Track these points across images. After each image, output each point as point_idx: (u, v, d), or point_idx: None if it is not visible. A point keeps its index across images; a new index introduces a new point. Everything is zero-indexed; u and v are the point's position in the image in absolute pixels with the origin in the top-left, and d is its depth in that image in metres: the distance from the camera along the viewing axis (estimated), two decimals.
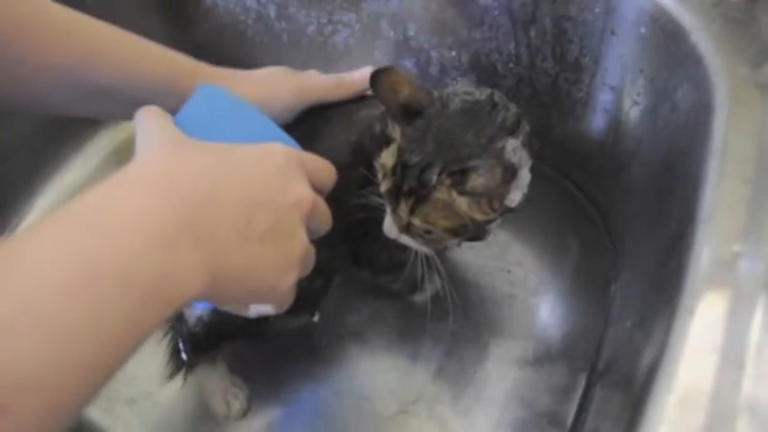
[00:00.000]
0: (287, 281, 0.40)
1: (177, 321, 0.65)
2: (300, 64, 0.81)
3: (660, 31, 0.56)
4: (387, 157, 0.51)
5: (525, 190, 0.53)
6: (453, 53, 0.71)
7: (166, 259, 0.32)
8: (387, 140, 0.52)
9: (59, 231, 0.30)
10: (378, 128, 0.55)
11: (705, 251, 0.42)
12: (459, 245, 0.69)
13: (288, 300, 0.42)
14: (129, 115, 0.53)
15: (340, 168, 0.48)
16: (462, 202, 0.49)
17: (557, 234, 0.76)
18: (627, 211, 0.67)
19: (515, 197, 0.52)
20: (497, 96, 0.51)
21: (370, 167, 0.54)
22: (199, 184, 0.36)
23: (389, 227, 0.54)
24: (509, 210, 0.52)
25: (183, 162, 0.37)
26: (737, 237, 0.42)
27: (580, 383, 0.65)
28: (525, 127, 0.51)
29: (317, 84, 0.59)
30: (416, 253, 0.58)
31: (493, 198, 0.50)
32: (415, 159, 0.49)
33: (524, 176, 0.52)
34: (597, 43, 0.62)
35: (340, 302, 0.70)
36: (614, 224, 0.70)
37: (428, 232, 0.52)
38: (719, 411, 0.36)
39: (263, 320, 0.64)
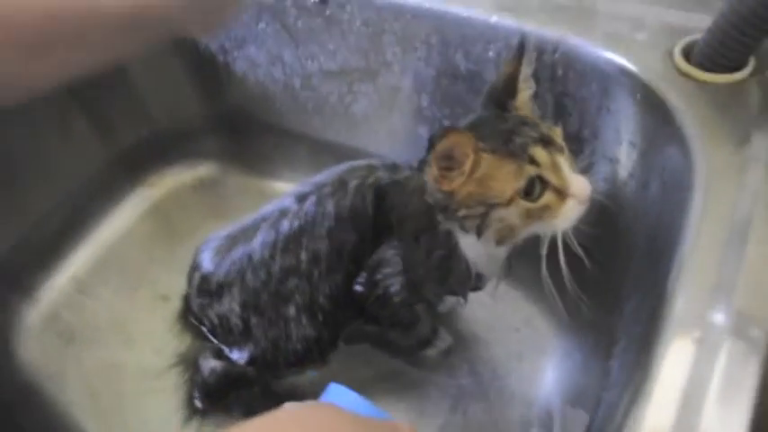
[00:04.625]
0: None
1: (193, 371, 0.70)
2: (323, 129, 0.88)
3: (650, 110, 0.60)
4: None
5: None
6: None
7: None
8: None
9: None
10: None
11: (680, 305, 0.45)
12: (464, 303, 0.72)
13: None
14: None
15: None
16: None
17: (566, 294, 0.79)
18: (627, 276, 0.69)
19: None
20: None
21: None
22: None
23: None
24: None
25: (324, 407, 0.42)
26: (707, 294, 0.45)
27: None
28: None
29: None
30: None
31: None
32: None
33: None
34: (594, 118, 0.65)
35: (347, 356, 0.73)
36: (616, 287, 0.72)
37: None
38: None
39: (274, 375, 0.70)
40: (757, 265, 0.46)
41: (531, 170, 0.52)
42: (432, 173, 0.55)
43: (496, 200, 0.54)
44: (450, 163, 0.54)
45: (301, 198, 0.66)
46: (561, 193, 0.54)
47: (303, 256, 0.65)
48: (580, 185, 0.54)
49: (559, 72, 0.65)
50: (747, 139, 0.53)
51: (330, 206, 0.64)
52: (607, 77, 0.62)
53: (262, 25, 0.82)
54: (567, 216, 0.54)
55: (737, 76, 0.57)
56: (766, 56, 0.58)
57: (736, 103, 0.56)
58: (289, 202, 0.67)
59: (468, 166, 0.53)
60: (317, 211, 0.64)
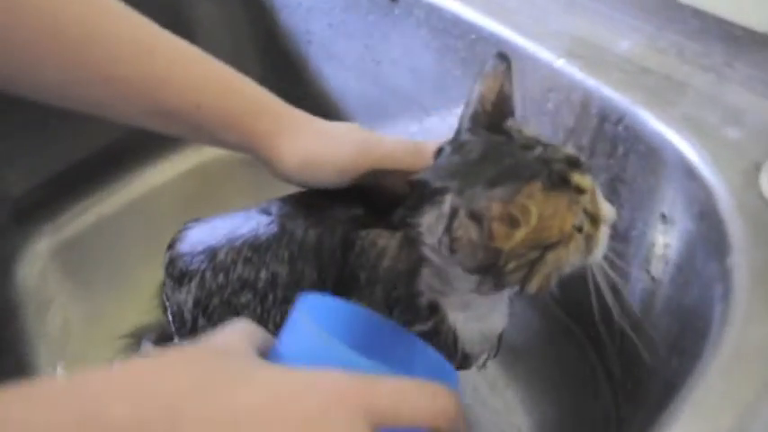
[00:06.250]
0: None
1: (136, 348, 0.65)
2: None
3: (707, 233, 0.44)
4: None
5: None
6: None
7: None
8: None
9: None
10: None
11: None
12: None
13: None
14: (187, 138, 0.55)
15: None
16: None
17: (574, 404, 0.64)
18: (639, 396, 0.54)
19: None
20: None
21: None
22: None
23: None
24: None
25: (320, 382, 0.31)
26: None
27: None
28: None
29: (386, 146, 0.52)
30: None
31: None
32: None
33: None
34: (646, 219, 0.51)
35: None
36: (626, 409, 0.57)
37: None
38: None
39: None
40: None
41: (584, 201, 0.44)
42: (475, 234, 0.43)
43: (554, 239, 0.44)
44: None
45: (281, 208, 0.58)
46: (595, 219, 0.45)
47: (263, 273, 0.57)
48: (607, 208, 0.46)
49: (620, 150, 0.51)
50: None
51: (300, 229, 0.55)
52: (670, 173, 0.47)
53: (337, 12, 0.74)
54: (603, 243, 0.46)
55: None
56: None
57: None
58: (273, 208, 0.59)
59: (533, 219, 0.43)
60: (287, 229, 0.56)
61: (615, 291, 0.45)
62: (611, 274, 0.46)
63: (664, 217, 0.49)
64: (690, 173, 0.46)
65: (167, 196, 0.87)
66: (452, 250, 0.44)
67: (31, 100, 0.50)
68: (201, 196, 0.88)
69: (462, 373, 0.62)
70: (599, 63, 0.52)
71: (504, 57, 0.47)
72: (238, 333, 0.37)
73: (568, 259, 0.45)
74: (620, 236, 0.54)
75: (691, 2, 0.52)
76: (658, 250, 0.50)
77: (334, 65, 0.80)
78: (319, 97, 0.85)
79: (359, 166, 0.50)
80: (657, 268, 0.50)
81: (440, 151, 0.46)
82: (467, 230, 0.43)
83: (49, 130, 0.78)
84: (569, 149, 0.44)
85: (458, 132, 0.47)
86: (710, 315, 0.41)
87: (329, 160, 0.51)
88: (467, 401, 0.67)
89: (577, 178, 0.44)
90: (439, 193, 0.44)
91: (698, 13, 0.51)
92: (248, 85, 0.52)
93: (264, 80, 0.87)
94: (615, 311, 0.46)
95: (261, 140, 0.51)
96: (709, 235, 0.44)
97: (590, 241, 0.45)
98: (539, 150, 0.43)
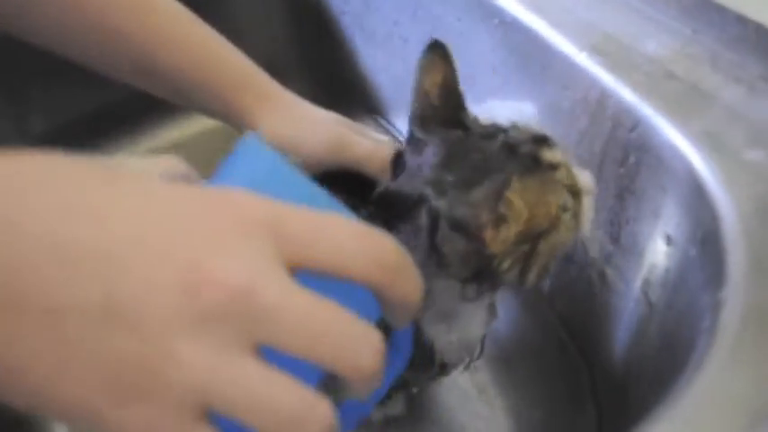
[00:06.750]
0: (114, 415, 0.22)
1: None
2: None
3: (708, 264, 0.40)
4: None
5: None
6: None
7: None
8: None
9: None
10: None
11: None
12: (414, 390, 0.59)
13: None
14: (169, 99, 0.55)
15: None
16: None
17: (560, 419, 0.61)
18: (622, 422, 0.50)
19: None
20: None
21: None
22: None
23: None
24: None
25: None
26: None
27: None
28: None
29: (362, 150, 0.50)
30: None
31: None
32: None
33: None
34: (647, 237, 0.46)
35: None
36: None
37: None
38: None
39: None
40: None
41: (561, 177, 0.42)
42: (462, 244, 0.41)
43: (545, 226, 0.41)
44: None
45: None
46: (575, 193, 0.43)
47: None
48: (585, 177, 0.44)
49: (631, 159, 0.47)
50: None
51: None
52: (679, 191, 0.43)
53: None
54: (589, 214, 0.44)
55: None
56: None
57: None
58: None
59: (524, 213, 0.40)
60: None
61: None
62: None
63: (668, 238, 0.44)
64: (699, 193, 0.41)
65: (194, 149, 0.87)
66: (442, 265, 0.41)
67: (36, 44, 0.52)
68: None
69: (450, 379, 0.60)
70: (623, 62, 0.48)
71: (439, 44, 0.44)
72: (154, 163, 0.32)
73: (562, 242, 0.43)
74: (623, 251, 0.50)
75: (735, 6, 0.46)
76: (658, 274, 0.45)
77: (365, 38, 0.78)
78: (349, 70, 0.82)
79: (331, 161, 0.50)
80: (655, 293, 0.46)
81: (398, 157, 0.44)
82: (453, 243, 0.40)
83: (80, 73, 0.78)
84: (534, 128, 0.42)
85: (410, 134, 0.44)
86: (693, 352, 0.37)
87: (298, 146, 0.49)
88: (452, 403, 0.64)
89: (548, 155, 0.41)
90: (412, 203, 0.41)
91: (741, 20, 0.46)
92: (238, 58, 0.52)
93: (297, 48, 0.87)
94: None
95: (242, 114, 0.51)
96: (709, 263, 0.39)
97: (576, 217, 0.43)
98: (501, 137, 0.41)
